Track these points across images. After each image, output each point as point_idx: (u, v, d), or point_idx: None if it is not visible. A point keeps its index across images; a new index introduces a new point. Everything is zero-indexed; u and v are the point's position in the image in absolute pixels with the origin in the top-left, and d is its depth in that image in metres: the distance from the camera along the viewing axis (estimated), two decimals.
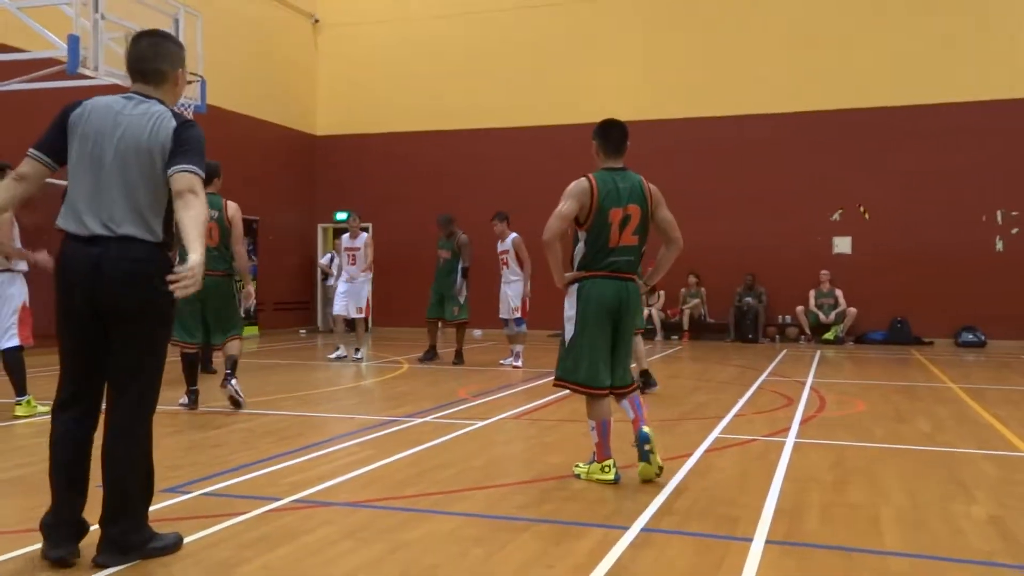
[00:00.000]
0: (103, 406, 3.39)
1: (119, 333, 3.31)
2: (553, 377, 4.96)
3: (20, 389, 6.85)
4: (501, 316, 11.31)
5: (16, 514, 4.00)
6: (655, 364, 10.52)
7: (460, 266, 11.36)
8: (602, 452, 4.75)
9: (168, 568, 3.30)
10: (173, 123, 3.34)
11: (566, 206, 4.68)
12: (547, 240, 4.71)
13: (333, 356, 11.94)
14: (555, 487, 4.68)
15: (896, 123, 15.60)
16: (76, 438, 3.33)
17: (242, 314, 7.76)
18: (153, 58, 3.47)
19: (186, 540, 3.56)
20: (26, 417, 6.72)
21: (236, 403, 7.19)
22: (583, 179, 4.73)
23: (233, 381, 7.21)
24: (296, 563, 3.39)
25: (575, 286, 4.78)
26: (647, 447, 4.64)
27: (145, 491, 3.40)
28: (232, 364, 7.28)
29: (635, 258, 4.80)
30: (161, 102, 3.42)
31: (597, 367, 4.71)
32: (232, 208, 7.38)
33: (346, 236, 12.12)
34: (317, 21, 19.00)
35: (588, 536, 3.76)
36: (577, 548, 3.59)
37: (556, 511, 4.19)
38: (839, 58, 15.88)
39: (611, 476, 4.71)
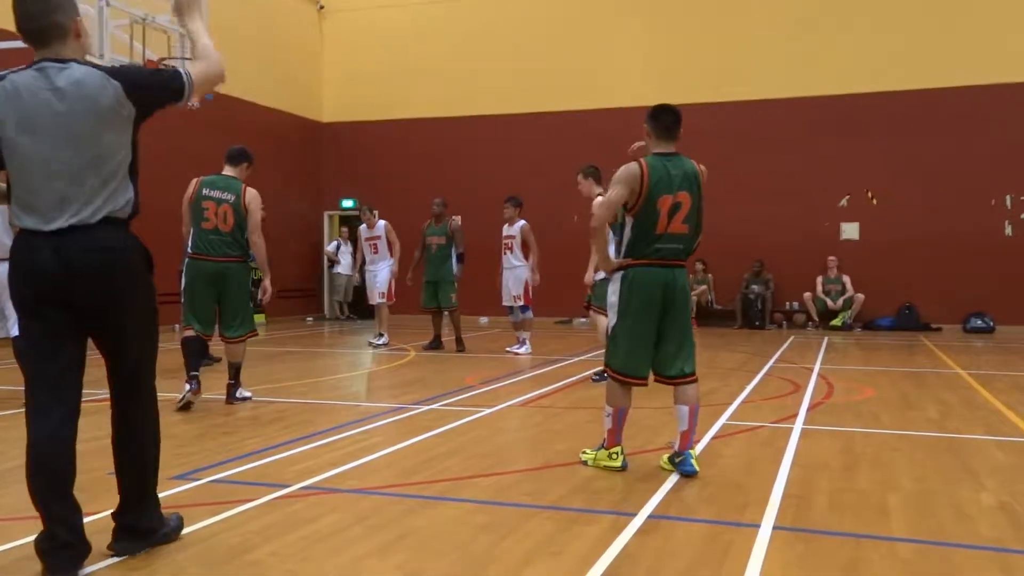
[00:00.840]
0: (81, 405, 3.17)
1: (115, 328, 3.16)
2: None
3: None
4: (504, 303, 11.29)
5: (27, 501, 4.00)
6: None
7: (456, 252, 11.33)
8: (612, 439, 4.75)
9: (178, 555, 3.32)
10: (114, 83, 3.04)
11: (615, 193, 4.60)
12: (595, 227, 4.68)
13: (379, 342, 11.89)
14: (562, 474, 4.68)
15: (903, 108, 15.49)
16: (61, 447, 3.05)
17: (255, 305, 7.51)
18: (43, 13, 3.04)
19: (196, 527, 3.59)
20: None
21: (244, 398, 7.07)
22: (633, 164, 4.62)
23: (238, 392, 6.96)
24: (305, 549, 3.40)
25: (620, 273, 4.72)
26: (687, 475, 4.55)
27: (155, 477, 3.42)
28: (235, 372, 6.95)
29: (684, 246, 4.68)
30: (77, 61, 3.08)
31: (635, 356, 4.67)
32: (250, 195, 6.91)
33: (363, 227, 12.08)
34: (322, 7, 18.93)
35: (595, 523, 3.77)
36: (584, 535, 3.60)
37: (563, 498, 4.20)
38: (846, 42, 15.75)
39: (618, 463, 4.71)
